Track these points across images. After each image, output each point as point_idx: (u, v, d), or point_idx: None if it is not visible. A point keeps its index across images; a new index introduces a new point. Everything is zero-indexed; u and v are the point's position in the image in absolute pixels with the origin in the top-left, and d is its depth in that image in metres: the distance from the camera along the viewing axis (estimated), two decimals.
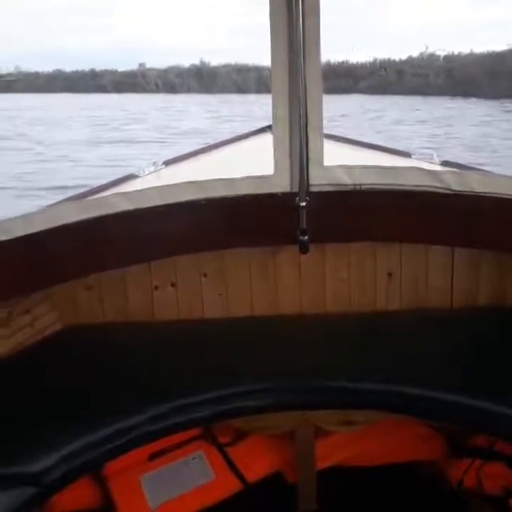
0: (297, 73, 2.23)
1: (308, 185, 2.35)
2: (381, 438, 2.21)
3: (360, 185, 2.39)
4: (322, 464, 2.17)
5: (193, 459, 2.16)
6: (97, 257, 2.37)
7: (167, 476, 2.11)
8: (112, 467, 2.01)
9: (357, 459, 2.23)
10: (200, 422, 2.05)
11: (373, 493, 2.28)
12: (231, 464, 2.15)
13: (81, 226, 2.23)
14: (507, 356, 2.15)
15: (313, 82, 2.27)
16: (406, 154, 3.50)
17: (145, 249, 2.42)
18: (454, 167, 3.00)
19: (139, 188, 2.49)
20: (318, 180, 2.37)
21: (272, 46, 2.27)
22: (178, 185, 2.37)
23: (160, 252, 2.45)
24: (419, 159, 3.29)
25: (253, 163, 3.02)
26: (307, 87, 2.25)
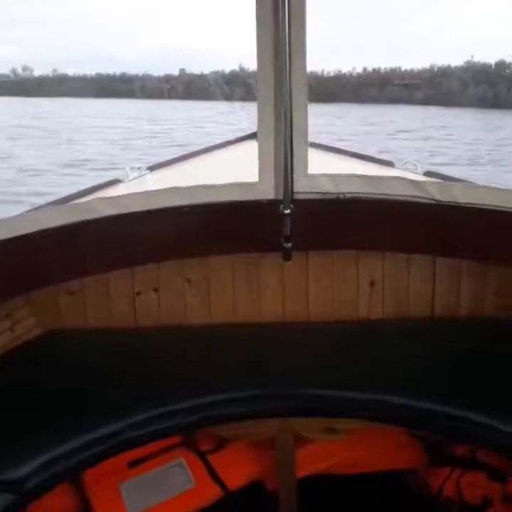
0: (283, 81, 2.24)
1: (292, 193, 2.36)
2: (362, 446, 2.21)
3: (344, 194, 2.40)
4: (303, 472, 2.16)
5: (174, 466, 2.14)
6: (79, 262, 2.36)
7: (147, 483, 2.09)
8: (91, 474, 1.98)
9: (338, 467, 2.22)
10: (181, 429, 2.04)
11: (354, 502, 2.27)
12: (212, 472, 2.14)
13: (63, 230, 2.22)
14: (487, 365, 2.16)
15: (299, 90, 2.28)
16: (390, 164, 3.52)
17: (128, 255, 2.41)
18: (437, 177, 3.02)
19: (122, 193, 2.49)
20: (302, 188, 2.38)
21: (257, 54, 2.27)
22: (162, 191, 2.37)
23: (143, 258, 2.45)
24: (402, 169, 3.31)
25: (238, 170, 3.02)
26: (293, 95, 2.26)
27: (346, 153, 4.06)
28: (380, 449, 2.23)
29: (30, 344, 2.38)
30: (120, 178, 3.28)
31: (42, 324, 2.46)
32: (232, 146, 4.34)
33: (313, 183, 2.39)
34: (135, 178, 3.33)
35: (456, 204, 2.34)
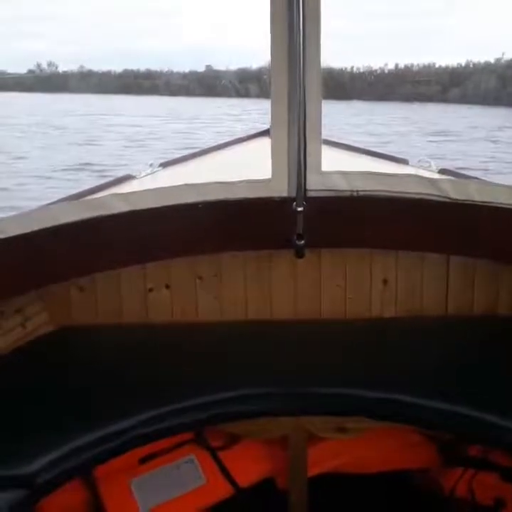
0: (297, 78, 2.22)
1: (305, 190, 2.35)
2: (374, 446, 2.20)
3: (358, 191, 2.39)
4: (314, 471, 2.15)
5: (185, 462, 2.14)
6: (92, 258, 2.36)
7: (158, 479, 2.09)
8: (102, 470, 1.99)
9: (349, 466, 2.21)
10: (192, 426, 2.04)
11: (365, 501, 2.27)
12: (223, 469, 2.14)
13: (76, 226, 2.22)
14: (500, 365, 2.14)
15: (313, 87, 2.27)
16: (404, 161, 3.50)
17: (140, 251, 2.41)
18: (452, 175, 3.00)
19: (135, 189, 2.49)
20: (315, 186, 2.37)
21: (272, 50, 2.26)
22: (175, 188, 2.37)
23: (155, 254, 2.44)
24: (417, 167, 3.29)
25: (251, 167, 3.01)
26: (306, 92, 2.25)
27: (359, 150, 4.05)
28: (392, 448, 2.22)
29: (42, 340, 2.38)
30: (133, 174, 3.28)
31: (53, 320, 2.46)
32: (244, 143, 4.33)
33: (326, 180, 2.38)
34: (148, 175, 3.33)
35: (471, 202, 2.32)
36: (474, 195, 2.32)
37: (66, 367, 2.21)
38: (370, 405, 2.00)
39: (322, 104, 2.32)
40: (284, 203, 2.37)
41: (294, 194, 2.35)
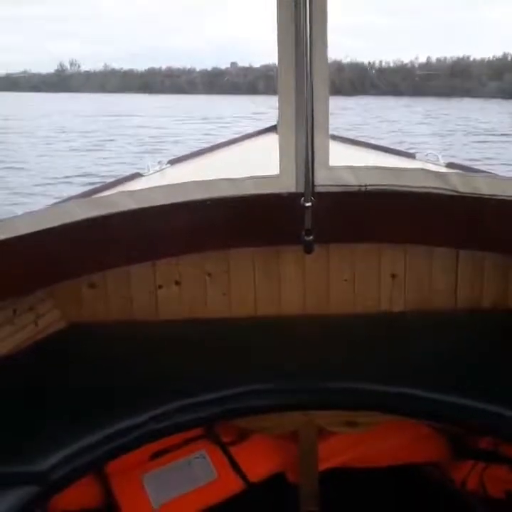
0: (304, 73, 2.23)
1: (313, 185, 2.35)
2: (384, 440, 2.20)
3: (366, 186, 2.39)
4: (325, 465, 2.16)
5: (196, 458, 2.16)
6: (102, 256, 2.37)
7: (170, 475, 2.10)
8: (114, 466, 2.00)
9: (360, 460, 2.22)
10: (203, 421, 2.05)
11: (376, 495, 2.27)
12: (234, 464, 2.15)
13: (86, 224, 2.23)
14: (510, 358, 2.14)
15: (320, 82, 2.27)
16: (411, 155, 3.49)
17: (150, 248, 2.42)
18: (459, 169, 2.99)
19: (144, 186, 2.49)
20: (323, 181, 2.37)
21: (278, 46, 2.26)
22: (183, 185, 2.37)
23: (164, 251, 2.45)
24: (424, 161, 3.28)
25: (258, 163, 3.02)
26: (314, 87, 2.25)
27: (366, 144, 4.04)
28: (402, 442, 2.23)
29: (54, 337, 2.40)
30: (141, 171, 3.29)
31: (65, 317, 2.48)
32: (252, 139, 4.33)
33: (334, 175, 2.38)
34: (156, 172, 3.34)
35: (479, 196, 2.32)
36: (482, 188, 2.31)
37: (78, 363, 2.22)
38: (380, 399, 2.01)
39: (330, 100, 2.32)
40: (292, 198, 2.37)
41: (302, 189, 2.35)
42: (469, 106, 35.57)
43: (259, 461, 2.20)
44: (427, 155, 3.34)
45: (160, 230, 2.37)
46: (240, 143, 4.27)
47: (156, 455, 2.13)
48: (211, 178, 2.41)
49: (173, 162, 3.59)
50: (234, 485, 2.13)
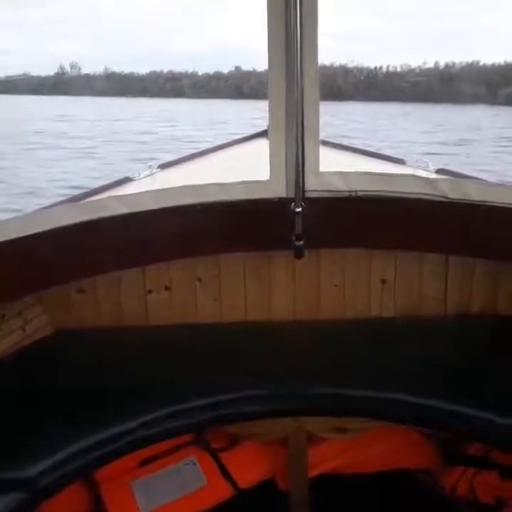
0: (294, 79, 2.23)
1: (303, 191, 2.35)
2: (374, 445, 2.20)
3: (356, 191, 2.39)
4: (315, 471, 2.16)
5: (186, 464, 2.15)
6: (91, 261, 2.36)
7: (159, 481, 2.09)
8: (103, 472, 1.99)
9: (350, 466, 2.22)
10: (193, 428, 2.04)
11: (366, 501, 2.27)
12: (224, 470, 2.14)
13: (75, 229, 2.22)
14: (500, 365, 2.15)
15: (311, 87, 2.27)
16: (401, 161, 3.50)
17: (139, 253, 2.41)
18: (449, 175, 3.00)
19: (134, 191, 2.48)
20: (313, 186, 2.37)
21: (269, 51, 2.26)
22: (173, 189, 2.37)
23: (154, 256, 2.45)
24: (414, 167, 3.29)
25: (249, 168, 3.02)
26: (304, 92, 2.25)
27: (356, 150, 4.05)
28: (392, 448, 2.23)
29: (42, 343, 2.38)
30: (131, 176, 3.28)
31: (53, 323, 2.46)
32: (242, 144, 4.33)
33: (324, 181, 2.38)
34: (146, 176, 3.33)
35: (468, 202, 2.33)
36: (472, 194, 2.32)
37: (66, 370, 2.21)
38: (370, 405, 2.01)
39: (319, 106, 2.32)
40: (282, 203, 2.37)
41: (292, 195, 2.35)
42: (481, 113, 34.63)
43: (249, 467, 2.19)
44: (416, 161, 3.35)
45: (150, 235, 2.36)
46: (231, 148, 4.27)
47: (146, 461, 2.12)
48: (201, 183, 2.41)
49: (163, 167, 3.58)
50: (223, 491, 2.12)
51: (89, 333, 2.47)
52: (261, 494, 2.18)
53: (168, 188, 2.38)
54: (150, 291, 2.53)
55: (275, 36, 2.23)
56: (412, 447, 2.24)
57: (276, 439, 2.11)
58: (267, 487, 2.19)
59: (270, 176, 2.39)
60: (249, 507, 2.15)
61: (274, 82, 2.29)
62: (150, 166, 3.47)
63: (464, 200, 2.33)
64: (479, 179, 2.74)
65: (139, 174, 3.31)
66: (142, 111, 36.80)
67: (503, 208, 2.29)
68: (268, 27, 2.24)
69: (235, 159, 3.92)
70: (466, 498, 2.11)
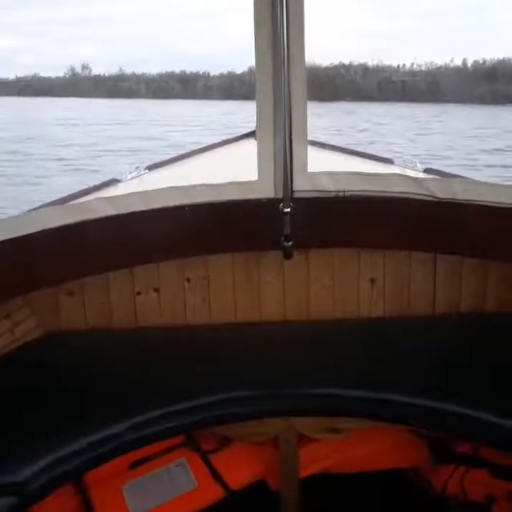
0: (281, 79, 2.23)
1: (292, 191, 2.35)
2: (365, 445, 2.20)
3: (344, 191, 2.39)
4: (306, 472, 2.15)
5: (176, 466, 2.13)
6: (79, 263, 2.35)
7: (149, 484, 2.08)
8: (93, 475, 1.98)
9: (341, 466, 2.22)
10: (183, 430, 2.03)
11: (357, 501, 2.27)
12: (214, 472, 2.13)
13: (63, 231, 2.21)
14: (489, 363, 2.15)
15: (298, 88, 2.27)
16: (389, 161, 3.51)
17: (128, 255, 2.40)
18: (437, 175, 3.01)
19: (121, 192, 2.48)
20: (302, 187, 2.37)
21: (256, 52, 2.26)
22: (161, 190, 2.36)
23: (143, 258, 2.44)
24: (402, 166, 3.30)
25: (237, 168, 3.01)
26: (292, 93, 2.25)
27: (344, 150, 4.05)
28: (383, 447, 2.23)
29: (30, 345, 2.37)
30: (118, 177, 3.26)
31: (42, 325, 2.45)
32: (231, 145, 4.32)
33: (312, 181, 2.38)
34: (134, 178, 3.31)
35: (456, 201, 2.34)
36: (460, 193, 2.33)
37: (55, 372, 2.19)
38: (360, 405, 2.01)
39: (307, 106, 2.33)
40: (271, 204, 2.37)
41: (280, 195, 2.35)
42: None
43: (240, 468, 2.18)
44: (404, 160, 3.36)
45: (138, 237, 2.35)
46: (219, 148, 4.26)
47: (136, 464, 2.11)
48: (190, 184, 2.40)
49: (151, 168, 3.56)
50: (214, 493, 2.11)
51: (78, 336, 2.45)
52: (252, 495, 2.17)
53: (156, 189, 2.37)
54: (139, 293, 2.52)
55: (262, 36, 2.24)
56: (402, 446, 2.25)
57: (267, 440, 2.10)
58: (258, 488, 2.18)
59: (258, 177, 2.39)
60: (240, 508, 2.15)
61: (262, 82, 2.29)
62: (137, 168, 3.45)
63: (451, 199, 2.34)
64: (467, 178, 2.74)
65: (127, 176, 3.29)
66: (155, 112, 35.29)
67: (490, 206, 2.30)
68: (255, 28, 2.24)
69: (223, 160, 3.92)
70: (456, 497, 2.11)
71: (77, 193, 2.90)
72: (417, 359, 2.19)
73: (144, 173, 3.41)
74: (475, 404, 1.91)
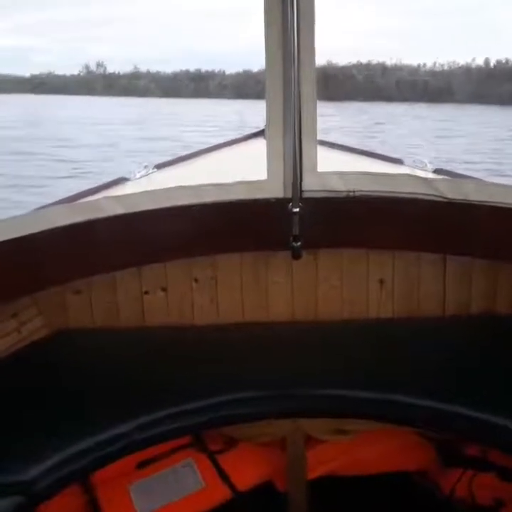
0: (291, 78, 2.22)
1: (301, 191, 2.34)
2: (373, 447, 2.19)
3: (354, 191, 2.38)
4: (313, 473, 2.14)
5: (183, 467, 2.13)
6: (87, 261, 2.34)
7: (156, 484, 2.07)
8: (100, 475, 1.97)
9: (348, 468, 2.20)
10: (190, 430, 2.03)
11: (364, 503, 2.25)
12: (221, 472, 2.12)
13: (71, 229, 2.21)
14: (499, 365, 2.14)
15: (308, 88, 2.26)
16: (399, 161, 3.49)
17: (136, 254, 2.40)
18: (447, 175, 3.00)
19: (130, 191, 2.48)
20: (311, 187, 2.36)
21: (266, 51, 2.26)
22: (170, 190, 2.36)
23: (151, 257, 2.43)
24: (412, 167, 3.28)
25: (245, 168, 3.01)
26: (301, 92, 2.24)
27: (355, 150, 4.04)
28: (391, 449, 2.22)
29: (37, 344, 2.37)
30: (127, 176, 3.26)
31: (49, 324, 2.45)
32: (239, 144, 4.32)
33: (322, 181, 2.37)
34: (142, 177, 3.31)
35: (467, 202, 2.32)
36: (470, 194, 2.32)
37: (62, 371, 2.19)
38: (369, 407, 1.99)
39: (317, 106, 2.32)
40: (279, 204, 2.36)
41: (289, 195, 2.34)
42: None
43: (247, 469, 2.17)
44: (414, 161, 3.34)
45: (146, 236, 2.35)
46: (227, 148, 4.26)
47: (143, 464, 2.10)
48: (198, 183, 2.40)
49: (159, 167, 3.56)
50: (221, 494, 2.10)
51: (85, 335, 2.45)
52: (259, 496, 2.16)
53: (164, 189, 2.37)
54: (146, 292, 2.51)
55: (273, 36, 2.23)
56: (410, 449, 2.23)
57: (275, 441, 2.09)
58: (265, 489, 2.18)
59: (268, 176, 2.38)
60: (247, 509, 2.14)
61: (272, 81, 2.28)
62: (146, 167, 3.46)
63: (462, 200, 2.32)
64: (477, 179, 2.73)
65: (135, 174, 3.30)
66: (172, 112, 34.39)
67: (501, 207, 2.28)
68: (265, 27, 2.24)
69: (231, 159, 3.92)
70: (464, 500, 2.10)
71: (85, 191, 2.91)
72: (425, 361, 2.18)
73: (152, 172, 3.41)
74: (484, 406, 1.89)
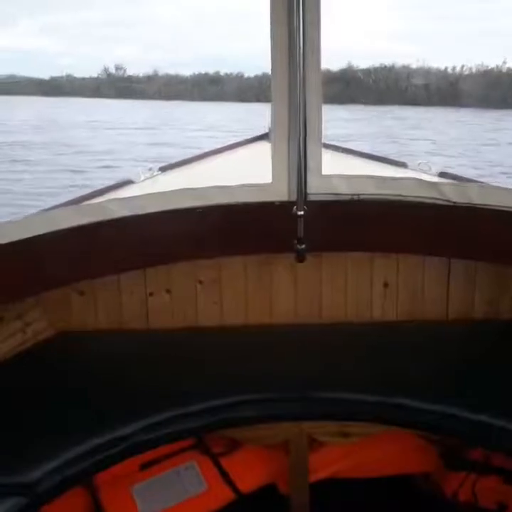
0: (297, 82, 2.22)
1: (306, 194, 2.34)
2: (376, 450, 2.19)
3: (358, 195, 2.38)
4: (316, 476, 2.14)
5: (186, 469, 2.13)
6: (92, 263, 2.35)
7: (159, 486, 2.08)
8: (103, 477, 1.98)
9: (351, 471, 2.20)
10: (193, 432, 2.03)
11: (367, 506, 2.26)
12: (224, 475, 2.13)
13: (76, 231, 2.21)
14: (502, 369, 2.14)
15: (313, 91, 2.27)
16: (403, 165, 3.49)
17: (140, 256, 2.40)
18: (451, 178, 3.00)
19: (135, 193, 2.48)
20: (316, 190, 2.36)
21: (272, 54, 2.26)
22: (175, 192, 2.36)
23: (155, 259, 2.44)
24: (416, 170, 3.28)
25: (249, 171, 3.01)
26: (307, 96, 2.25)
27: (359, 153, 4.04)
28: (394, 452, 2.22)
29: (42, 345, 2.37)
30: (132, 178, 3.27)
31: (53, 325, 2.45)
32: (244, 147, 4.33)
33: (327, 184, 2.37)
34: (147, 179, 3.32)
35: (471, 205, 2.32)
36: (475, 198, 2.31)
37: (66, 373, 2.19)
38: (372, 409, 2.00)
39: (322, 109, 2.32)
40: (284, 207, 2.36)
41: (294, 198, 2.34)
42: None
43: (250, 471, 2.17)
44: (419, 164, 3.34)
45: (151, 238, 2.35)
46: (232, 151, 4.27)
47: (146, 466, 2.10)
48: (203, 186, 2.40)
49: (164, 169, 3.57)
50: (224, 496, 2.10)
51: (89, 336, 2.46)
52: (262, 499, 2.17)
53: (169, 191, 2.37)
54: (151, 294, 2.52)
55: (278, 39, 2.24)
56: (413, 452, 2.23)
57: (278, 444, 2.09)
58: (267, 492, 2.18)
59: (272, 179, 2.38)
60: None
61: (277, 85, 2.29)
62: (150, 169, 3.47)
63: (466, 203, 2.32)
64: (482, 183, 2.73)
65: (140, 177, 3.30)
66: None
67: (506, 211, 2.28)
68: (271, 30, 2.24)
69: (236, 162, 3.92)
70: (467, 503, 2.10)
71: (90, 193, 2.92)
72: (429, 364, 2.18)
73: (157, 175, 3.42)
74: (487, 410, 1.89)
